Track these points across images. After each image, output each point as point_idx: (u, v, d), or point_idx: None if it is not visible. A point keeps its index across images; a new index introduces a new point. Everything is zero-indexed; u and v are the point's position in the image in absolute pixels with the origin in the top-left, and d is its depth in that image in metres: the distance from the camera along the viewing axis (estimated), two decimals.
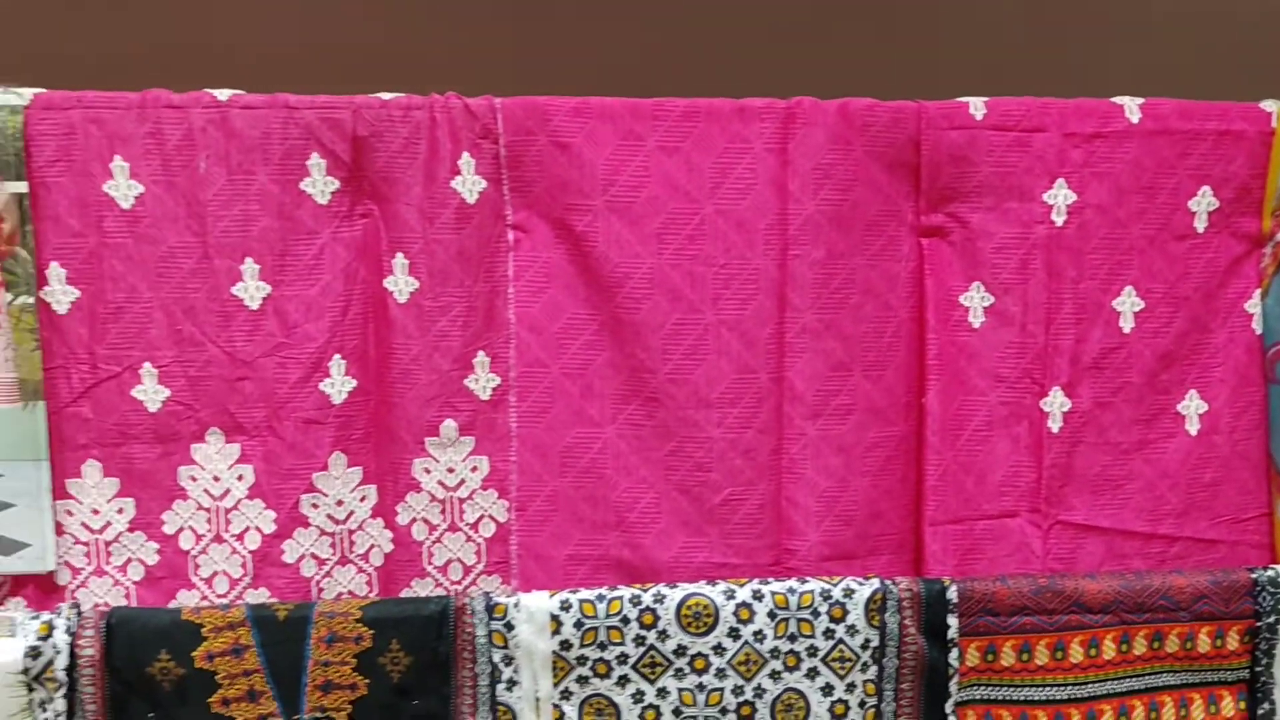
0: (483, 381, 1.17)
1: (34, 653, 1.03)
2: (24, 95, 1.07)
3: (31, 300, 1.08)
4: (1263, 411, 1.26)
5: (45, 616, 1.05)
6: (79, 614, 1.06)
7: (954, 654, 1.15)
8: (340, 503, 1.15)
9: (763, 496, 1.19)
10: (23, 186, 1.06)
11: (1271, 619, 1.18)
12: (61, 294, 1.08)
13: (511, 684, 1.11)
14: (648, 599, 1.12)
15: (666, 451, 1.17)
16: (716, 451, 1.17)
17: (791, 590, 1.14)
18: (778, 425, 1.18)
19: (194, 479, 1.13)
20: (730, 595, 1.13)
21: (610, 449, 1.18)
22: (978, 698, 1.16)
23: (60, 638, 1.04)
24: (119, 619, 1.06)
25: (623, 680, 1.12)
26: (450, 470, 1.17)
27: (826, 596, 1.14)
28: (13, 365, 1.08)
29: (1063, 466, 1.22)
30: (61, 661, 1.03)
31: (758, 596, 1.13)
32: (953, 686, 1.15)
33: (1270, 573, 1.19)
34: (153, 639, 1.06)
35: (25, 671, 1.03)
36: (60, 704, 1.04)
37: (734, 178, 1.15)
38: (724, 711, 1.13)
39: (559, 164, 1.14)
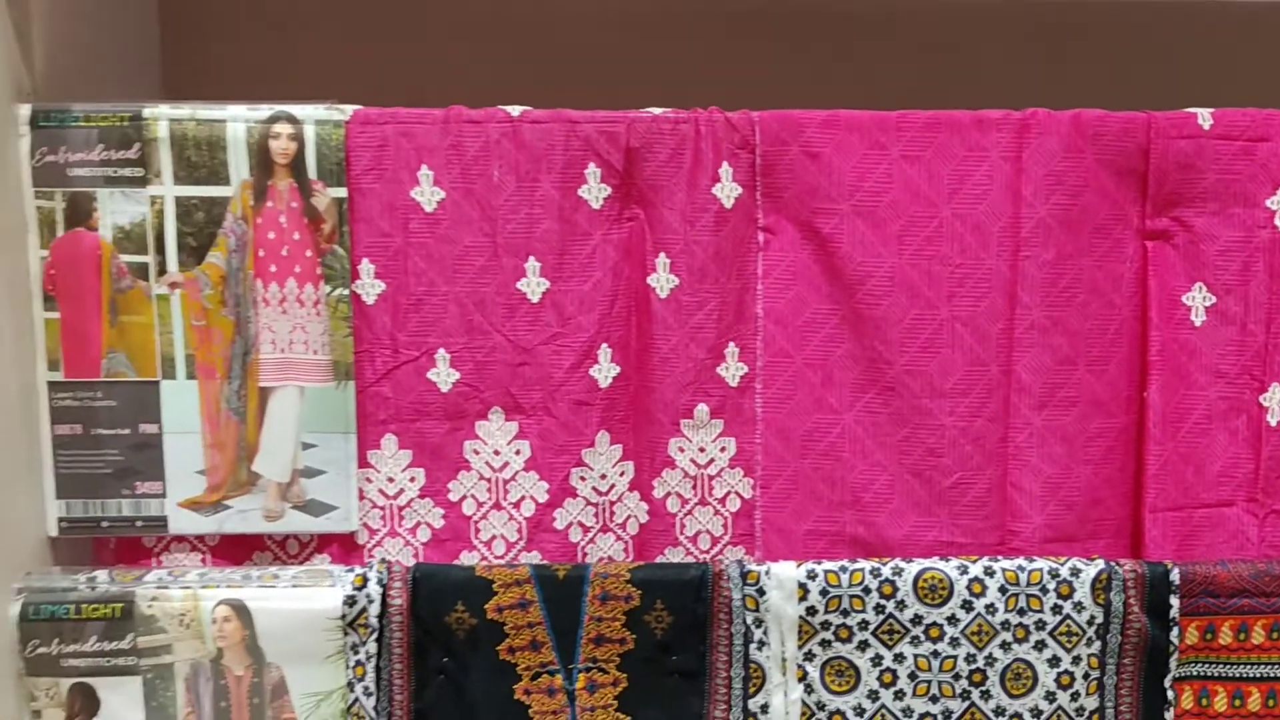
0: (732, 370, 1.28)
1: (350, 601, 1.19)
2: (345, 111, 1.21)
3: (346, 292, 1.23)
4: None
5: (359, 570, 1.22)
6: (389, 569, 1.22)
7: (1174, 632, 1.22)
8: (604, 476, 1.28)
9: (990, 481, 1.28)
10: (342, 192, 1.21)
11: None
12: (370, 287, 1.24)
13: (761, 644, 1.23)
14: (887, 571, 1.22)
15: (900, 437, 1.27)
16: (948, 438, 1.27)
17: (1021, 568, 1.22)
18: (1005, 415, 1.27)
19: (477, 452, 1.27)
20: (964, 570, 1.22)
21: (848, 434, 1.28)
22: (1195, 674, 1.24)
23: (373, 589, 1.19)
24: (422, 574, 1.21)
25: (863, 645, 1.22)
26: (701, 450, 1.29)
27: (1054, 575, 1.22)
28: (329, 349, 1.24)
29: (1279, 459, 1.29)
30: (374, 609, 1.19)
31: (989, 573, 1.22)
32: (1172, 663, 1.23)
33: None
34: (451, 592, 1.20)
35: (342, 617, 1.19)
36: (371, 647, 1.19)
37: (971, 184, 1.24)
38: (957, 677, 1.22)
39: (809, 172, 1.24)
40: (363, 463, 1.26)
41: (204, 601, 1.17)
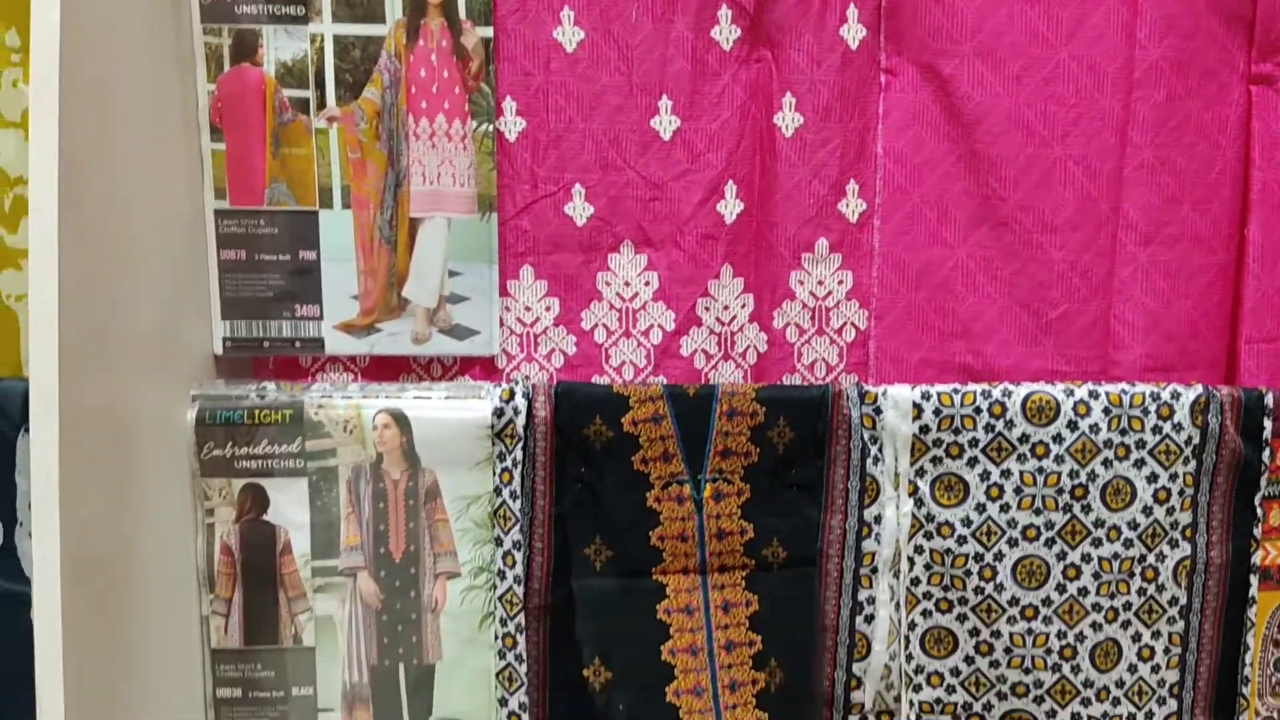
0: (852, 206, 1.35)
1: (499, 413, 1.28)
2: None
3: (490, 128, 1.31)
4: None
5: (507, 385, 1.31)
6: (533, 385, 1.31)
7: (1266, 453, 1.30)
8: (726, 307, 1.36)
9: (1095, 313, 1.35)
10: (489, 31, 1.28)
11: None
12: (513, 124, 1.31)
13: (876, 460, 1.32)
14: (996, 393, 1.30)
15: (1011, 271, 1.34)
16: (1056, 272, 1.34)
17: (1124, 391, 1.30)
18: (1112, 250, 1.33)
19: (608, 283, 1.36)
20: (1070, 393, 1.30)
21: (961, 268, 1.35)
22: None
23: (519, 402, 1.29)
24: (564, 389, 1.30)
25: (972, 461, 1.30)
26: (820, 283, 1.37)
27: (1155, 398, 1.29)
28: (474, 182, 1.32)
29: None
30: (520, 421, 1.28)
31: (1094, 395, 1.30)
32: (1263, 481, 1.31)
33: None
34: (590, 406, 1.29)
35: (491, 427, 1.28)
36: (518, 455, 1.29)
37: (1088, 26, 1.29)
38: (1059, 491, 1.30)
39: (932, 14, 1.29)
40: (502, 291, 1.35)
41: (366, 410, 1.27)
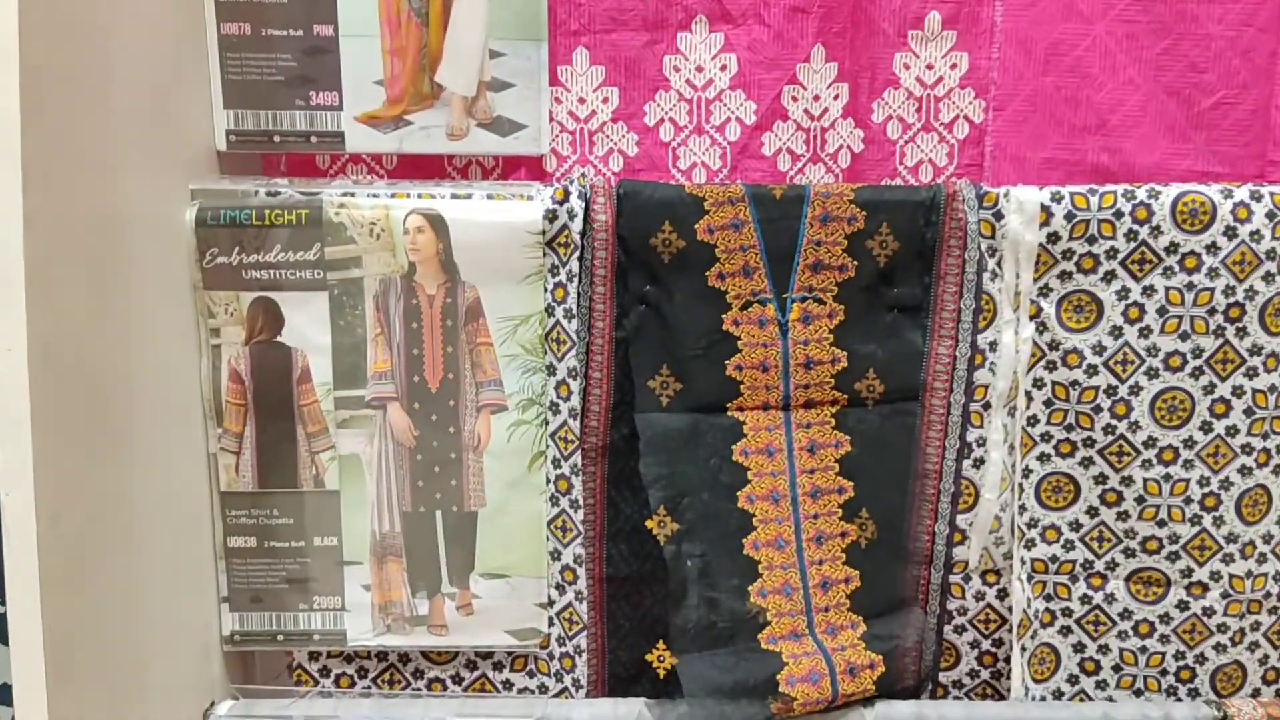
0: None
1: (551, 215, 1.09)
2: None
3: None
4: None
5: (560, 184, 1.12)
6: (590, 184, 1.12)
7: None
8: (817, 98, 1.15)
9: (1256, 102, 1.13)
10: None
11: None
12: None
13: (994, 275, 1.13)
14: (1142, 194, 1.09)
15: (1159, 50, 1.12)
16: (1213, 50, 1.12)
17: None
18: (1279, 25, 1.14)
19: (677, 69, 1.15)
20: (1228, 195, 1.10)
21: (1098, 46, 1.14)
22: None
23: (575, 203, 1.09)
24: (628, 190, 1.10)
25: (1108, 276, 1.11)
26: (929, 67, 1.15)
27: None
28: None
29: None
30: (576, 226, 1.09)
31: (1256, 197, 1.10)
32: None
33: None
34: (659, 209, 1.09)
35: (543, 233, 1.09)
36: (574, 267, 1.10)
37: None
38: (1212, 312, 1.11)
39: None
40: (552, 80, 1.15)
41: (395, 211, 1.08)
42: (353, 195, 1.08)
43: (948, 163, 1.17)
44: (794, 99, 1.15)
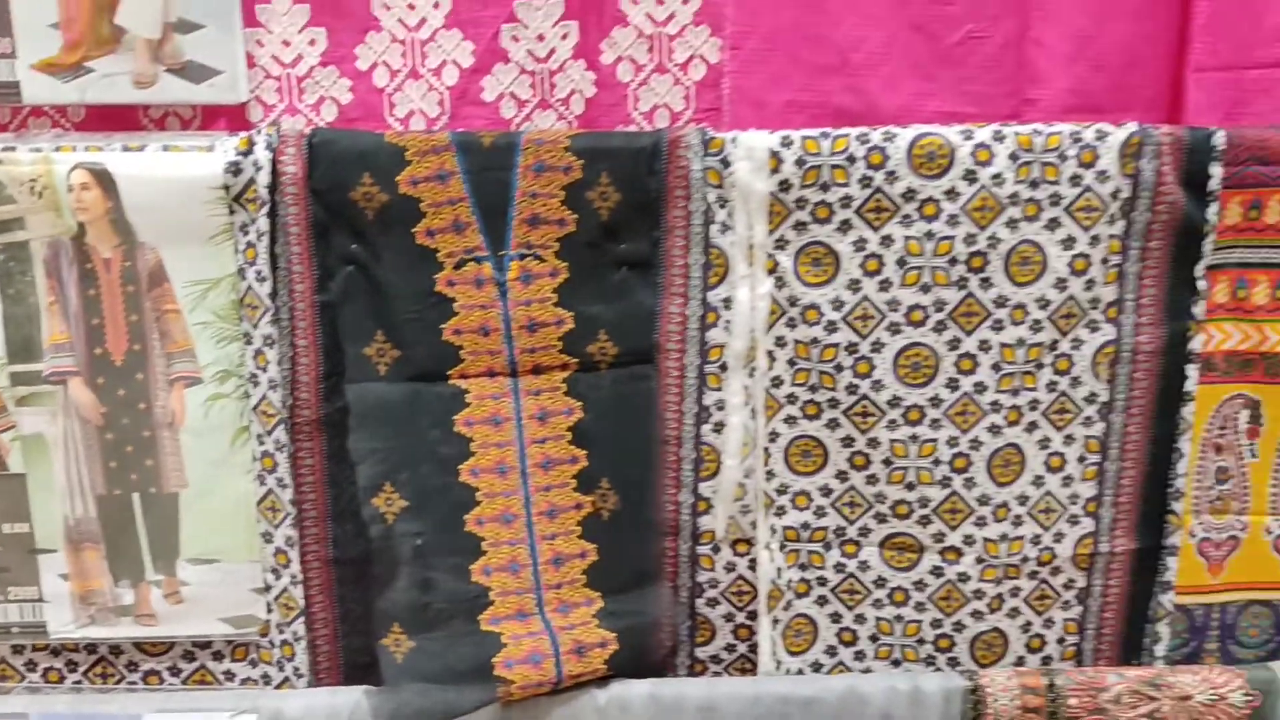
0: None
1: (234, 168, 0.99)
2: None
3: None
4: None
5: (244, 134, 1.03)
6: (279, 132, 1.02)
7: (1213, 209, 1.05)
8: (541, 38, 1.07)
9: (1006, 35, 1.07)
10: None
11: None
12: None
13: (725, 228, 1.06)
14: (876, 137, 1.02)
15: None
16: None
17: (1037, 132, 1.02)
18: None
19: (388, 7, 1.06)
20: (968, 136, 1.02)
21: None
22: (1233, 261, 1.07)
23: (261, 154, 1.00)
24: (321, 139, 1.01)
25: (844, 225, 1.04)
26: (660, 3, 1.08)
27: (1076, 139, 1.02)
28: None
29: None
30: (263, 179, 1.00)
31: (999, 138, 1.02)
32: (1207, 246, 1.06)
33: None
34: (356, 160, 1.01)
35: (226, 188, 1.00)
36: (263, 224, 1.01)
37: None
38: (953, 262, 1.05)
39: None
40: (250, 21, 1.05)
41: (58, 166, 0.98)
42: (13, 149, 0.99)
43: (684, 107, 1.09)
44: (515, 38, 1.06)
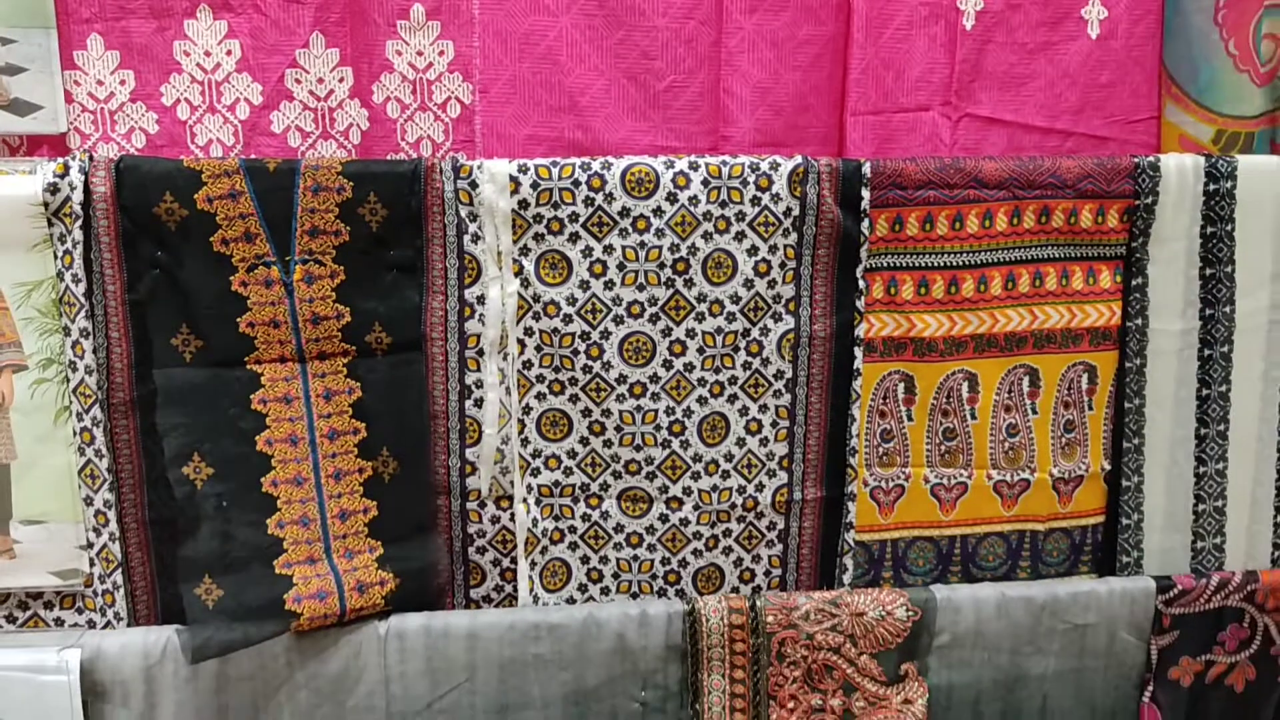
0: None
1: (52, 189, 1.18)
2: None
3: None
4: (1159, 21, 1.38)
5: (61, 159, 1.20)
6: (91, 159, 1.20)
7: (865, 224, 1.31)
8: (321, 80, 1.27)
9: (702, 85, 1.32)
10: None
11: (1148, 200, 1.34)
12: None
13: (476, 238, 1.27)
14: (596, 166, 1.26)
15: (616, 40, 1.29)
16: (661, 40, 1.30)
17: (724, 162, 1.28)
18: (718, 18, 1.30)
19: (187, 53, 1.25)
20: (670, 165, 1.27)
21: (565, 37, 1.29)
22: (884, 264, 1.33)
23: (75, 176, 1.19)
24: (127, 164, 1.20)
25: (574, 237, 1.27)
26: (419, 53, 1.29)
27: (755, 169, 1.28)
28: None
29: (973, 63, 1.35)
30: (78, 197, 1.19)
31: (694, 167, 1.27)
32: (863, 253, 1.32)
33: (1150, 159, 1.34)
34: (158, 181, 1.20)
35: (46, 205, 1.18)
36: (78, 235, 1.20)
37: None
38: (661, 266, 1.29)
39: None
40: (68, 64, 1.24)
41: None
42: None
43: (445, 139, 1.32)
44: (298, 81, 1.27)
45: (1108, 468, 1.40)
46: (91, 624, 1.29)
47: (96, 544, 1.27)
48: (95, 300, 1.22)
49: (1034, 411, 1.38)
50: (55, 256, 1.19)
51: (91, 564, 1.27)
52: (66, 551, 1.26)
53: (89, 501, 1.25)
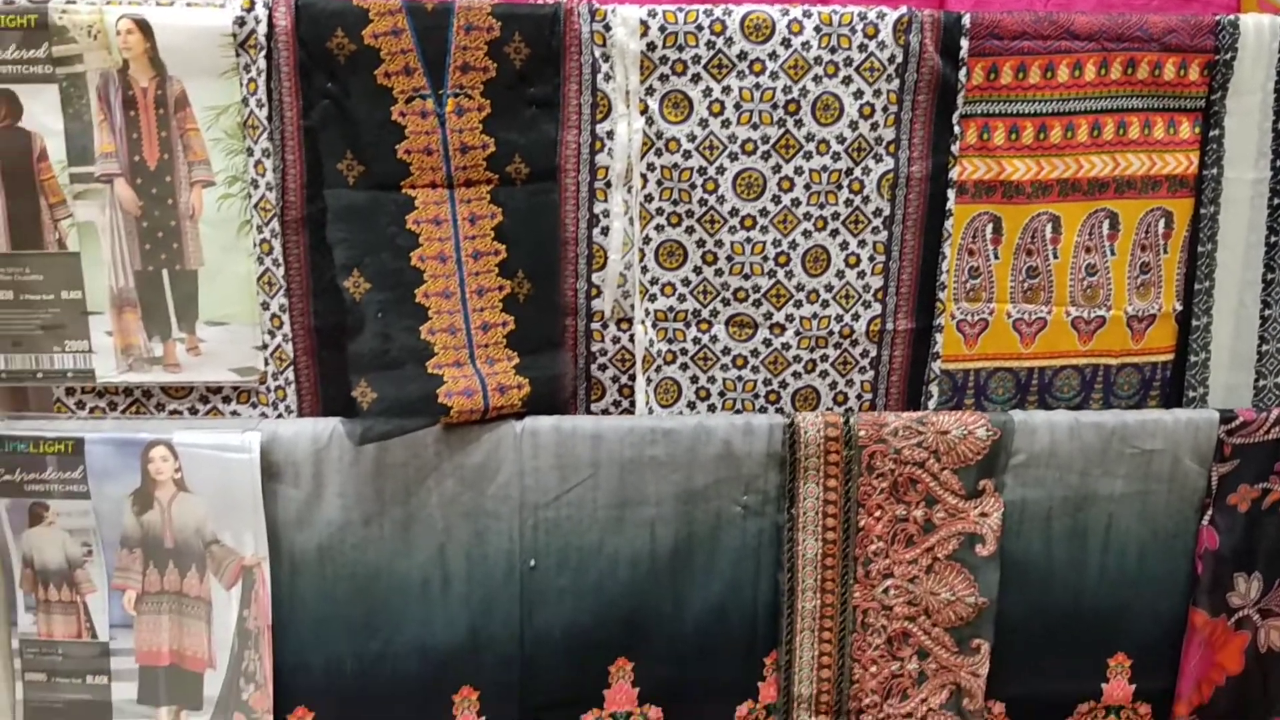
0: None
1: (240, 21, 1.34)
2: None
3: None
4: None
5: None
6: None
7: (963, 72, 1.42)
8: None
9: None
10: None
11: (1228, 55, 1.44)
12: None
13: (608, 77, 1.40)
14: (718, 12, 1.38)
15: None
16: None
17: (835, 11, 1.40)
18: None
19: None
20: (785, 12, 1.39)
21: None
22: (979, 111, 1.44)
23: (260, 11, 1.34)
24: (305, 1, 1.34)
25: (695, 78, 1.40)
26: None
27: (863, 17, 1.40)
28: None
29: None
30: (262, 30, 1.34)
31: (807, 14, 1.39)
32: (960, 100, 1.43)
33: (1231, 18, 1.43)
34: (331, 18, 1.35)
35: (234, 37, 1.33)
36: (261, 64, 1.35)
37: None
38: (774, 107, 1.41)
39: None
40: None
41: (109, 15, 1.31)
42: (74, 2, 1.31)
43: None
44: None
45: (1179, 308, 1.53)
46: (264, 416, 1.47)
47: (270, 345, 1.43)
48: (274, 125, 1.37)
49: (1112, 253, 1.50)
50: (241, 84, 1.34)
51: (266, 363, 1.44)
52: (245, 351, 1.43)
53: (265, 306, 1.42)
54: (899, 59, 1.41)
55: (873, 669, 1.53)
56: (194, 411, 1.47)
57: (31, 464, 1.39)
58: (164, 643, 1.44)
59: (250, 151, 1.36)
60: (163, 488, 1.40)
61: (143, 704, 1.45)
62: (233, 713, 1.44)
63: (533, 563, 1.46)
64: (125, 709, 1.45)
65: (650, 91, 1.41)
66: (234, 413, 1.47)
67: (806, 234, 1.46)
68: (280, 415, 1.46)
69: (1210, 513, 1.52)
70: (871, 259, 1.48)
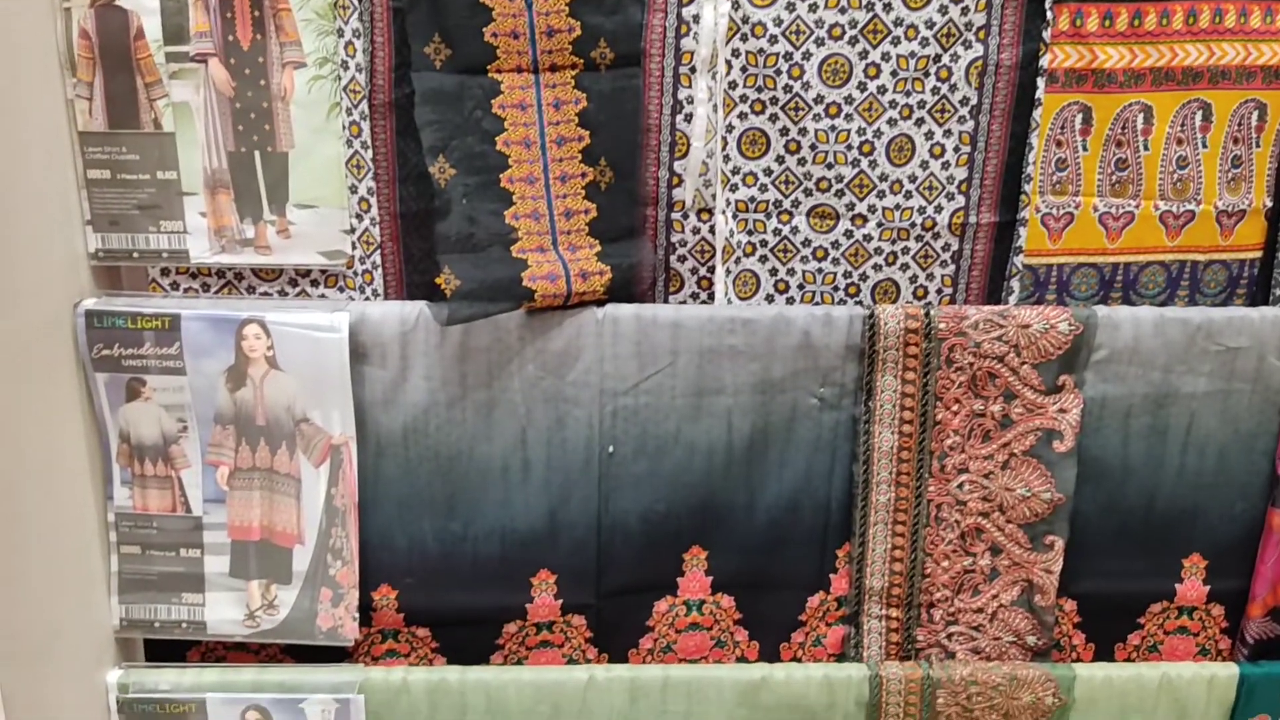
0: None
1: None
2: None
3: None
4: None
5: None
6: None
7: None
8: None
9: None
10: None
11: None
12: None
13: None
14: None
15: None
16: None
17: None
18: None
19: None
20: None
21: None
22: None
23: None
24: None
25: None
26: None
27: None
28: None
29: None
30: None
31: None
32: None
33: None
34: None
35: None
36: None
37: None
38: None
39: None
40: None
41: None
42: None
43: None
44: None
45: (1269, 204, 1.50)
46: (351, 300, 1.49)
47: (358, 229, 1.46)
48: (364, 5, 1.38)
49: (1204, 145, 1.47)
50: None
51: (353, 247, 1.47)
52: (332, 234, 1.46)
53: (354, 190, 1.44)
54: None
55: (945, 564, 1.54)
56: (283, 294, 1.49)
57: (129, 339, 1.43)
58: (255, 518, 1.49)
59: (340, 32, 1.38)
60: (255, 365, 1.44)
61: (234, 577, 1.51)
62: (320, 588, 1.50)
63: (611, 449, 1.49)
64: (217, 581, 1.51)
65: None
66: (321, 296, 1.49)
67: (891, 122, 1.45)
68: (367, 299, 1.49)
69: None
70: (956, 149, 1.47)
